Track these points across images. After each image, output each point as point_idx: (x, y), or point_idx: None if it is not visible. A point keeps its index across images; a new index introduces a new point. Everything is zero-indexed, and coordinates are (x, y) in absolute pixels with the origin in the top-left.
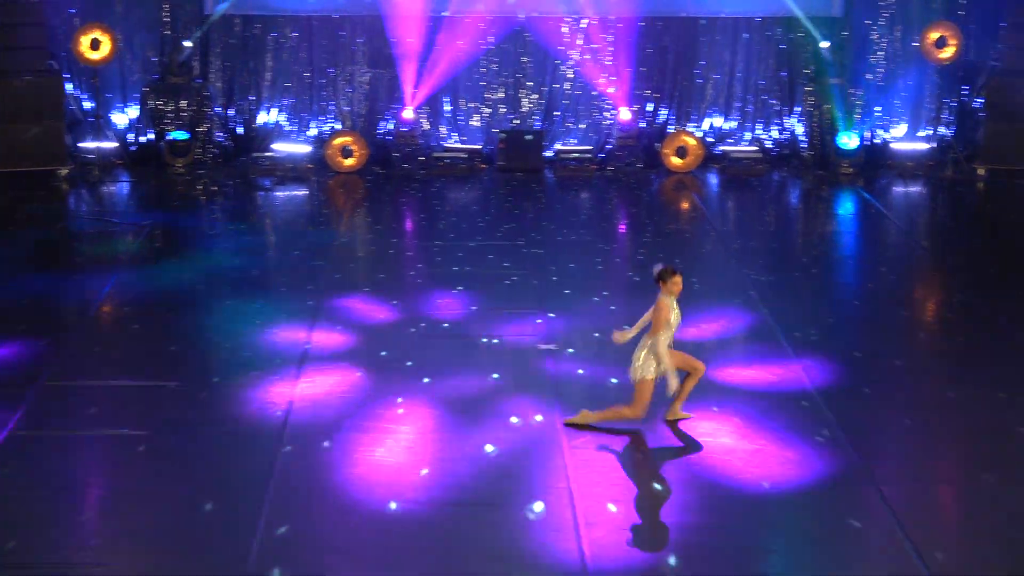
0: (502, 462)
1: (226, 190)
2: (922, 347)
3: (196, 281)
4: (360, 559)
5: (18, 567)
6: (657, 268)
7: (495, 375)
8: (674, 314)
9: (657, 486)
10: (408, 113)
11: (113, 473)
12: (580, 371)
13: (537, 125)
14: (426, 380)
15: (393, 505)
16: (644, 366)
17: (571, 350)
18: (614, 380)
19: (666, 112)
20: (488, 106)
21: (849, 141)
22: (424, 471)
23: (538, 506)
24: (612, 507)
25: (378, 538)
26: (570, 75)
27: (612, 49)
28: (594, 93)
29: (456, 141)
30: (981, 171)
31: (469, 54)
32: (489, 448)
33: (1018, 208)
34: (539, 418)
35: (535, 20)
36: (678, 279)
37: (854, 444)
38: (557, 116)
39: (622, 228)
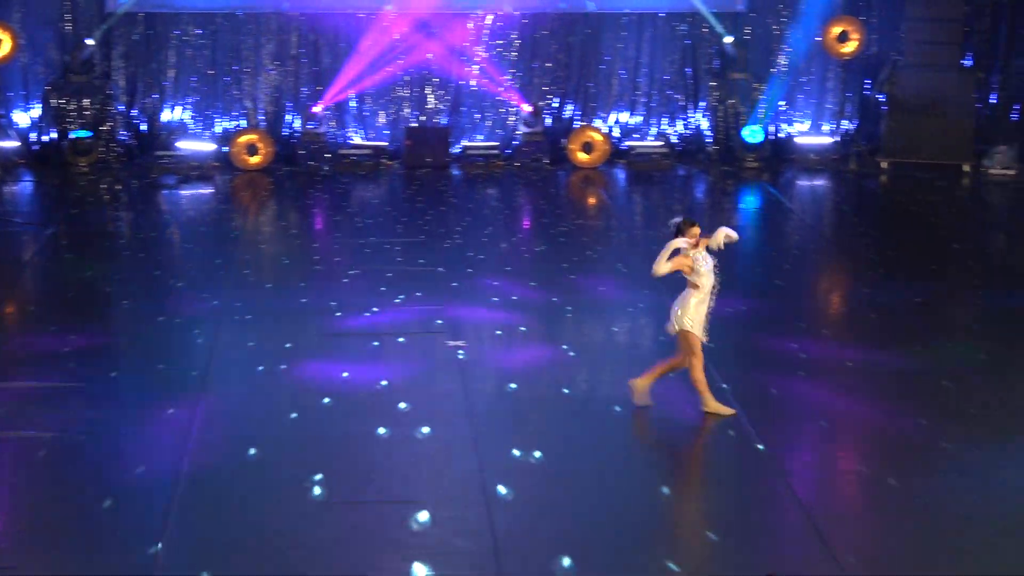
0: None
1: (130, 189)
2: (828, 339)
3: (99, 281)
4: (269, 557)
5: None
6: (675, 221)
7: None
8: (704, 271)
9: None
10: (316, 109)
11: (18, 475)
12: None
13: (443, 122)
14: (345, 375)
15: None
16: (680, 318)
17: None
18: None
19: (572, 108)
20: (394, 103)
21: (753, 136)
22: (334, 472)
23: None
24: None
25: (286, 537)
26: (476, 71)
27: (517, 45)
28: (500, 89)
29: (362, 138)
30: (884, 164)
31: (375, 51)
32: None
33: (920, 200)
34: (452, 411)
35: (440, 17)
36: (693, 229)
37: (762, 439)
38: (463, 112)
39: (527, 224)
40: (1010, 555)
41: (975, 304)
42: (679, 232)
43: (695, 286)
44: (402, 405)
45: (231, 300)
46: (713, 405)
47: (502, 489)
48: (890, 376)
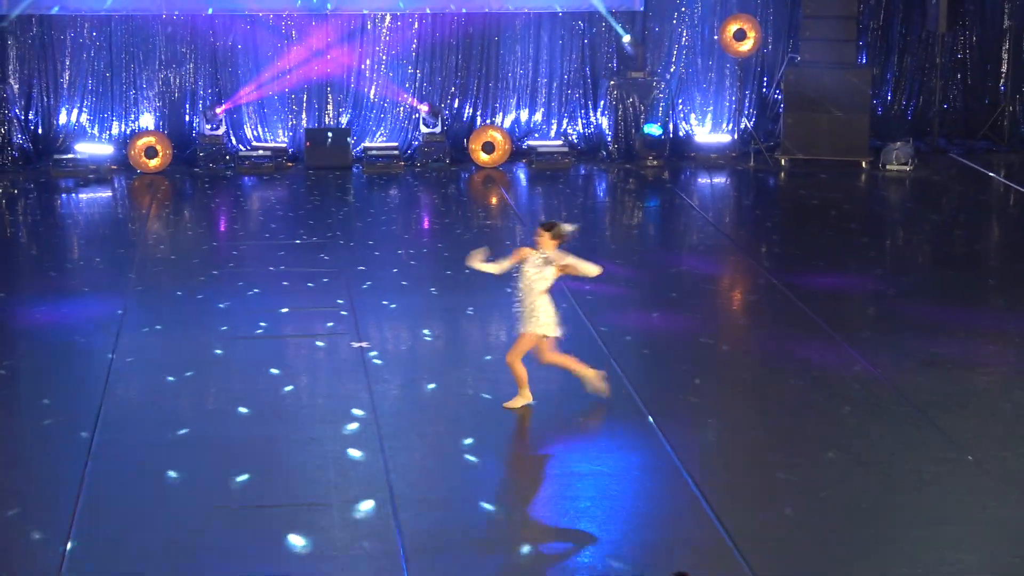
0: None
1: (27, 193)
2: (732, 334)
3: None
4: (175, 562)
5: None
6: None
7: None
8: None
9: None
10: (215, 112)
11: None
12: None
13: (344, 123)
14: (251, 378)
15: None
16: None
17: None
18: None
19: (472, 108)
20: (294, 105)
21: (653, 134)
22: (242, 477)
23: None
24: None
25: (192, 541)
26: (375, 72)
27: (416, 44)
28: (400, 91)
29: (262, 140)
30: (782, 161)
31: (275, 52)
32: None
33: (817, 196)
34: (358, 412)
35: (339, 16)
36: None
37: (667, 438)
38: (363, 114)
39: (428, 224)
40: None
41: (875, 294)
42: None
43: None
44: (306, 407)
45: (132, 304)
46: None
47: (408, 490)
48: (794, 365)
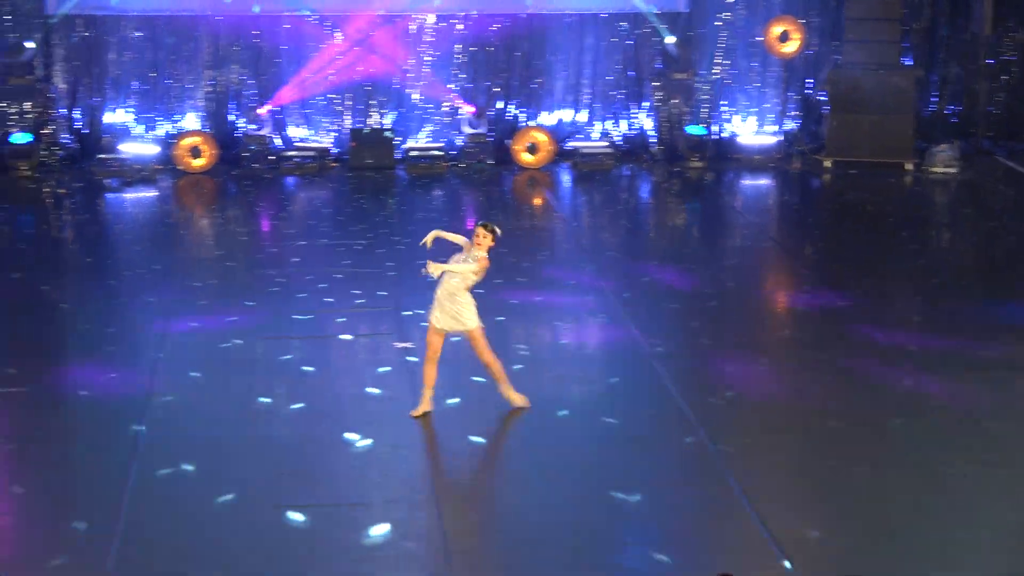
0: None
1: (72, 192)
2: (775, 340)
3: (43, 285)
4: (220, 562)
5: None
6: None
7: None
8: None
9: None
10: (259, 112)
11: None
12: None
13: (388, 124)
14: (309, 369)
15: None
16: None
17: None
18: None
19: (516, 109)
20: (338, 105)
21: (697, 135)
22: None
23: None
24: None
25: (237, 541)
26: (420, 73)
27: (461, 46)
28: (443, 91)
29: (306, 140)
30: (827, 163)
31: (320, 52)
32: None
33: (863, 199)
34: (401, 412)
35: (384, 17)
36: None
37: (713, 441)
38: (408, 114)
39: (472, 224)
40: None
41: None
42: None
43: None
44: (349, 407)
45: (176, 304)
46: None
47: (453, 490)
48: (839, 374)
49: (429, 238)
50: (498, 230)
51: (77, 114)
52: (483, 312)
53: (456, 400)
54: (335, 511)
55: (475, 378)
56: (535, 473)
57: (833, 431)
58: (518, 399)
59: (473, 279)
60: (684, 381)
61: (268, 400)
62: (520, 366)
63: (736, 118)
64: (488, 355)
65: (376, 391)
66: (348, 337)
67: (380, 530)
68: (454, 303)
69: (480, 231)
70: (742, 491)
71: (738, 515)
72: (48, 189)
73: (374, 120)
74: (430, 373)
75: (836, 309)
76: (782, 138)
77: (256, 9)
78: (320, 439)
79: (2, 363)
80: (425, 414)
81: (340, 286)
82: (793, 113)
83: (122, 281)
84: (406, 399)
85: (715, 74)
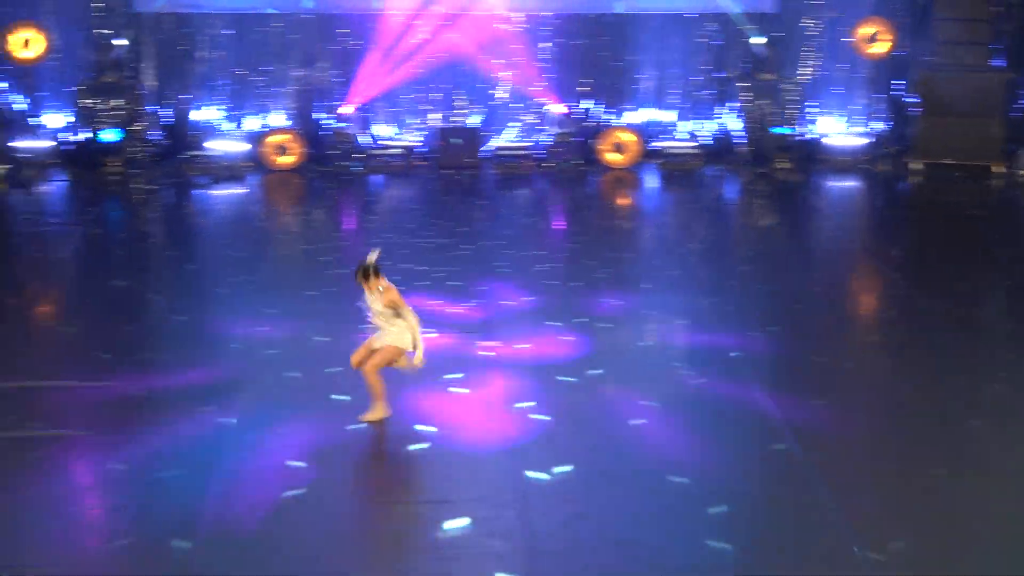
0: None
1: (161, 189)
2: (864, 342)
3: (130, 279)
4: (306, 557)
5: None
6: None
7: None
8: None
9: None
10: (346, 110)
11: (53, 475)
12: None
13: (476, 122)
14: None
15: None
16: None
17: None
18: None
19: (603, 108)
20: (426, 103)
21: (783, 137)
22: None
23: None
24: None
25: (322, 537)
26: (507, 73)
27: (549, 46)
28: (531, 90)
29: (393, 138)
30: (915, 165)
31: (407, 51)
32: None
33: (951, 201)
34: (531, 406)
35: (473, 16)
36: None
37: (803, 445)
38: (496, 113)
39: (557, 223)
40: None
41: (1008, 299)
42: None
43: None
44: (434, 406)
45: (262, 298)
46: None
47: (539, 489)
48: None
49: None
50: (365, 266)
51: (166, 111)
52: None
53: (533, 403)
54: (421, 508)
55: (560, 377)
56: (622, 473)
57: (926, 437)
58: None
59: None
60: (772, 384)
61: (348, 398)
62: (599, 371)
63: (823, 119)
64: (375, 376)
65: (459, 390)
66: (432, 335)
67: (459, 524)
68: (391, 324)
69: (362, 282)
70: (832, 498)
71: (828, 522)
72: (136, 185)
73: (461, 119)
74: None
75: (925, 312)
76: (870, 140)
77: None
78: (405, 436)
79: (98, 357)
80: (382, 420)
81: (425, 284)
82: (881, 115)
83: (210, 279)
84: (487, 399)
85: (803, 75)
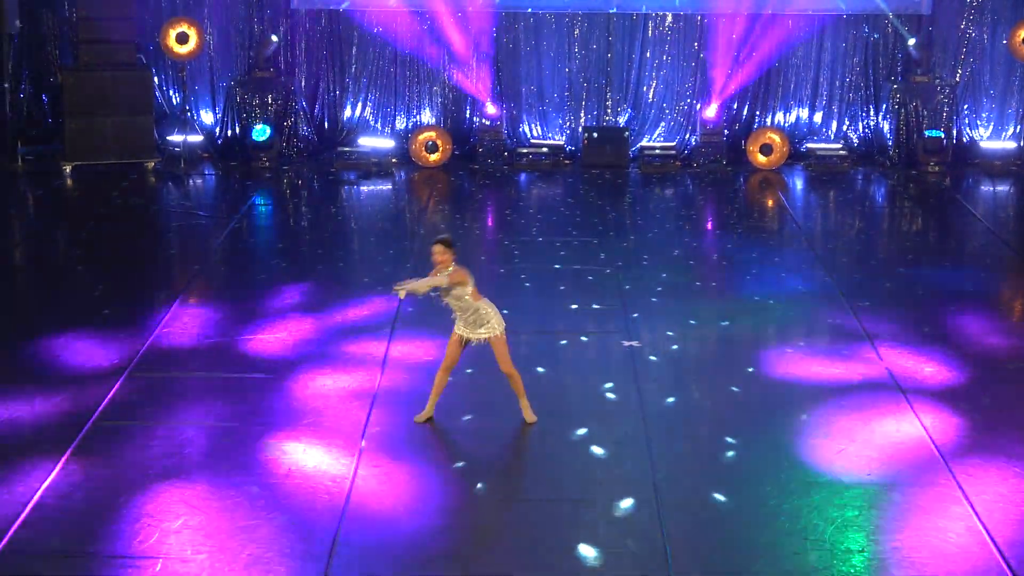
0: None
1: (310, 184)
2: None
3: (280, 274)
4: (444, 554)
5: (99, 557)
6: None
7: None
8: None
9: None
10: (491, 108)
11: (197, 464)
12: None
13: (622, 122)
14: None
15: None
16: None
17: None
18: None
19: (751, 109)
20: (572, 102)
21: (936, 139)
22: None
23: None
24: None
25: (458, 534)
26: (655, 72)
27: (697, 46)
28: (679, 90)
29: (540, 137)
30: None
31: (556, 50)
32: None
33: None
34: (625, 411)
35: (620, 16)
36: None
37: (939, 447)
38: (642, 113)
39: (704, 224)
40: None
41: None
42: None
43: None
44: (575, 404)
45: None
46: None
47: (674, 490)
48: None
49: (404, 291)
50: (441, 238)
51: (317, 107)
52: (711, 315)
53: (673, 399)
54: (557, 507)
55: (697, 387)
56: (757, 474)
57: None
58: (530, 416)
59: (462, 289)
60: (913, 385)
61: (498, 394)
62: (751, 368)
63: (977, 122)
64: (508, 365)
65: (603, 390)
66: (577, 336)
67: (603, 527)
68: (476, 314)
69: (443, 253)
70: (965, 493)
71: (958, 515)
72: (286, 180)
73: (609, 118)
74: (441, 381)
75: None
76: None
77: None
78: (546, 435)
79: (242, 349)
80: (428, 420)
81: (568, 283)
82: None
83: (356, 273)
84: (632, 398)
85: (957, 77)
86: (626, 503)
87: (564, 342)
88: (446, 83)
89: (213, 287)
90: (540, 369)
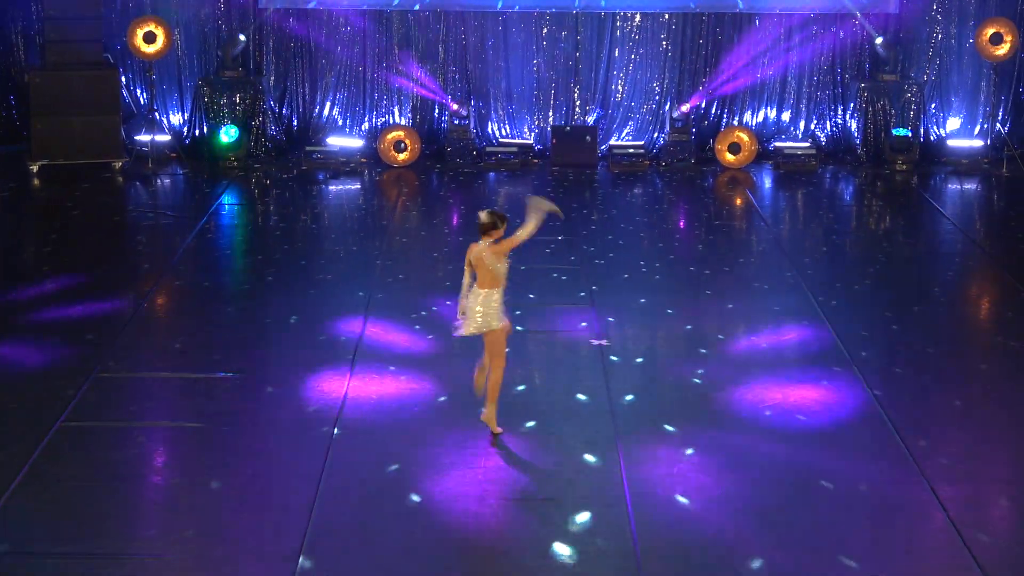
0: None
1: (278, 184)
2: (979, 347)
3: (249, 274)
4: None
5: (70, 556)
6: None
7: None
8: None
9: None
10: (459, 107)
11: (165, 465)
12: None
13: (591, 120)
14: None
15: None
16: (489, 320)
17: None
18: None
19: (719, 108)
20: (541, 101)
21: (903, 138)
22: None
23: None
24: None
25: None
26: (623, 71)
27: (665, 44)
28: (647, 90)
29: (509, 136)
30: None
31: (524, 49)
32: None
33: None
34: (594, 410)
35: (588, 15)
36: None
37: (908, 445)
38: (610, 111)
39: (673, 223)
40: None
41: None
42: (493, 227)
43: (498, 282)
44: (543, 403)
45: (377, 295)
46: (490, 415)
47: (642, 489)
48: None
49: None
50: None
51: (286, 107)
52: (680, 314)
53: (635, 397)
54: (526, 506)
55: (665, 385)
56: (727, 471)
57: None
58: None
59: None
60: (886, 388)
61: (463, 393)
62: (719, 367)
63: (944, 121)
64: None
65: (572, 389)
66: (546, 334)
67: (572, 527)
68: (487, 305)
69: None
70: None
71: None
72: (254, 180)
73: (577, 117)
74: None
75: None
76: (990, 142)
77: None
78: (513, 435)
79: (209, 349)
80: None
81: (537, 282)
82: (1003, 117)
83: (324, 272)
84: (601, 397)
85: (924, 76)
86: (597, 503)
87: (533, 341)
88: (415, 82)
89: (180, 287)
90: (514, 365)
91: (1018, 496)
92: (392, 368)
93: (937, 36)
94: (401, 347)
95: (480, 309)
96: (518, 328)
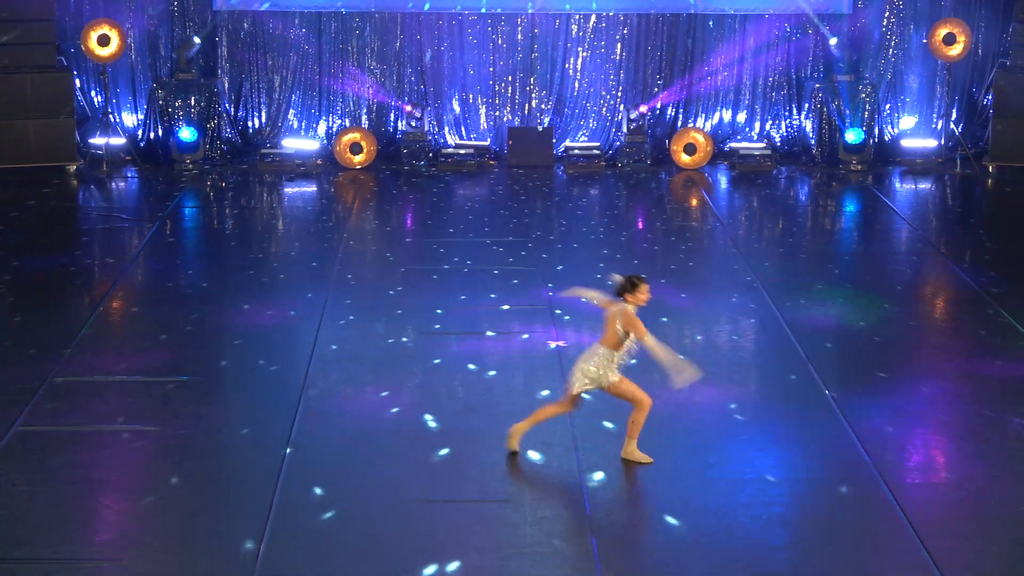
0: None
1: (234, 186)
2: (933, 345)
3: (204, 276)
4: (367, 556)
5: (26, 561)
6: (621, 278)
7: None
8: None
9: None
10: (414, 109)
11: (121, 469)
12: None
13: (546, 122)
14: (472, 367)
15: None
16: (604, 374)
17: (563, 343)
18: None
19: (674, 109)
20: (497, 102)
21: (858, 138)
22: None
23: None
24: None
25: (384, 535)
26: (579, 72)
27: (620, 45)
28: (603, 91)
29: (465, 138)
30: (990, 168)
31: (479, 51)
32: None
33: None
34: None
35: (543, 16)
36: (646, 288)
37: (864, 445)
38: (566, 113)
39: (629, 224)
40: None
41: None
42: (627, 290)
43: (623, 345)
44: (501, 404)
45: (333, 298)
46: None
47: (600, 490)
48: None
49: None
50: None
51: (240, 109)
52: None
53: (588, 396)
54: (483, 507)
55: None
56: (686, 472)
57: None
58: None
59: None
60: (842, 389)
61: (421, 395)
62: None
63: (898, 121)
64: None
65: (530, 390)
66: (499, 334)
67: (530, 527)
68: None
69: (639, 284)
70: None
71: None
72: (209, 182)
73: (533, 119)
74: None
75: (995, 311)
76: (944, 142)
77: (426, 6)
78: (470, 434)
79: (164, 353)
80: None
81: (495, 283)
82: (957, 116)
83: (279, 275)
84: (559, 398)
85: (878, 76)
86: (554, 503)
87: (490, 343)
88: (370, 84)
89: (135, 290)
90: (471, 366)
91: (971, 495)
92: (348, 371)
93: (891, 36)
94: (357, 349)
95: (594, 368)
96: (472, 331)
